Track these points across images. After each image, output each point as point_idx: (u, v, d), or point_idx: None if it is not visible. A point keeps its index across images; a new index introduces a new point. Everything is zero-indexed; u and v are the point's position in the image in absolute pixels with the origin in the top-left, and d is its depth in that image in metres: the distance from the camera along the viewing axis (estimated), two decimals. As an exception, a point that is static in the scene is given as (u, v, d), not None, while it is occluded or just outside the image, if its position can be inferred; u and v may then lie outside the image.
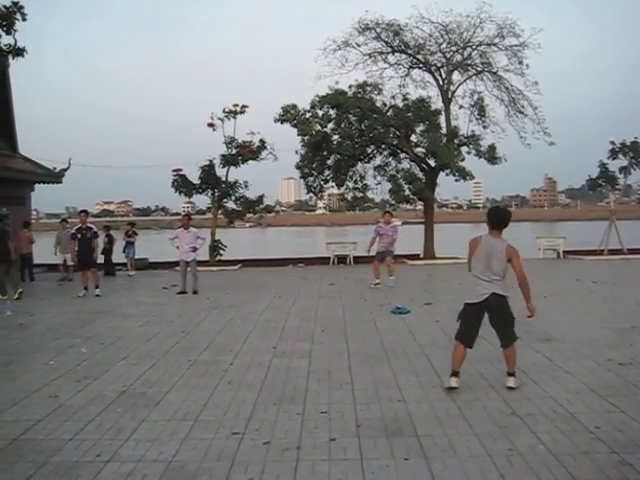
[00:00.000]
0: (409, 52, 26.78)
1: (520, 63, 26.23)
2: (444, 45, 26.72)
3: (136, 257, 25.56)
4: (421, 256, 26.00)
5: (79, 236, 16.04)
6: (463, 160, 25.77)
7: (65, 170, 25.48)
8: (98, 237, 16.54)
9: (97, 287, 15.91)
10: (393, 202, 26.61)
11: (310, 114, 25.46)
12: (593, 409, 6.00)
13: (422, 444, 5.21)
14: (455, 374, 6.80)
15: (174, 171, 24.58)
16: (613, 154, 26.27)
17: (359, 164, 26.85)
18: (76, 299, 15.33)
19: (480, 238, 6.96)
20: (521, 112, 26.66)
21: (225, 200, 25.33)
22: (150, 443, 5.36)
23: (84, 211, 16.96)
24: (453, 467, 4.74)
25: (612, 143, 26.22)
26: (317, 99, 25.34)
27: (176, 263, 19.57)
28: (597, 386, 6.77)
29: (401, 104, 26.21)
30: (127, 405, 6.49)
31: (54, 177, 25.16)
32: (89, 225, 16.33)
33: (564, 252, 26.08)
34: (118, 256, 22.98)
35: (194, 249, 16.13)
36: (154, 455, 5.10)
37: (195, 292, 15.76)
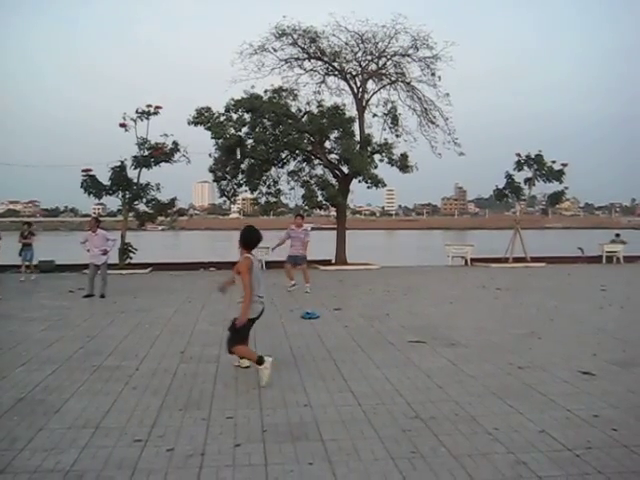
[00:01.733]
0: (325, 59, 27.02)
1: (433, 75, 26.94)
2: (359, 54, 27.13)
3: (42, 259, 24.69)
4: (333, 261, 26.21)
5: None
6: (376, 168, 26.15)
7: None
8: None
9: None
10: (306, 207, 26.72)
11: (224, 117, 25.27)
12: (493, 411, 6.20)
13: (327, 448, 5.23)
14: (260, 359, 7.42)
15: (83, 171, 23.85)
16: (519, 166, 27.26)
17: (273, 169, 26.86)
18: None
19: (250, 260, 7.67)
20: (433, 122, 27.36)
21: (136, 202, 24.77)
22: (47, 452, 5.17)
23: None
24: (357, 470, 4.78)
25: (518, 155, 27.21)
26: (232, 102, 25.19)
27: (84, 266, 19.03)
28: (497, 389, 7.00)
29: (316, 110, 26.40)
30: (24, 413, 6.23)
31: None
32: None
33: (472, 259, 26.87)
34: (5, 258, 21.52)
35: (105, 252, 15.73)
36: (51, 465, 4.91)
37: (102, 296, 15.35)
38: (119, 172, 23.97)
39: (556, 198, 28.17)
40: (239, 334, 7.65)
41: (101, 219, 17.82)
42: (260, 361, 7.29)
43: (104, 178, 24.00)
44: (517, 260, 26.24)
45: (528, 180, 27.47)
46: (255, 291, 7.67)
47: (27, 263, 21.16)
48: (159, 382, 7.40)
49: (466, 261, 26.90)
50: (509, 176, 27.61)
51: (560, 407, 6.31)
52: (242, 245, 7.78)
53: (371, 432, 5.63)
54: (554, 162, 27.03)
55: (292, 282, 16.50)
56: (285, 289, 16.65)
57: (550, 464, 4.87)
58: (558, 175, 26.98)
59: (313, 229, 21.92)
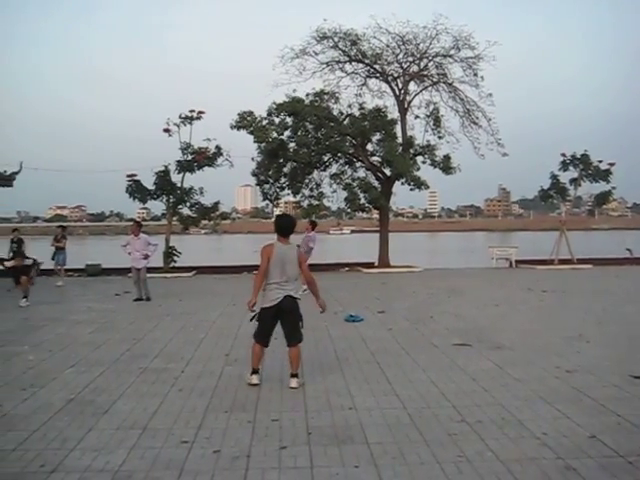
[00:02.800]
0: (366, 62, 26.98)
1: (475, 75, 26.70)
2: (401, 55, 27.03)
3: (89, 263, 25.19)
4: (376, 264, 26.14)
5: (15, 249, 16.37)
6: (418, 170, 26.05)
7: (16, 173, 24.95)
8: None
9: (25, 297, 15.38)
10: (349, 210, 26.72)
11: (267, 121, 25.44)
12: (540, 415, 6.10)
13: (372, 452, 5.21)
14: (255, 372, 7.41)
15: (128, 176, 24.26)
16: (564, 166, 26.85)
17: (315, 172, 26.95)
18: (21, 307, 14.95)
19: (270, 246, 7.43)
20: (475, 123, 27.09)
21: (180, 206, 25.10)
22: (97, 452, 5.26)
23: (16, 229, 17.51)
24: (403, 474, 4.75)
25: (563, 155, 26.81)
26: (274, 106, 25.34)
27: (129, 269, 19.34)
28: (545, 393, 6.88)
29: (358, 113, 26.41)
30: (74, 414, 6.35)
31: (4, 180, 24.60)
32: (21, 237, 16.86)
33: (516, 261, 26.54)
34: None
35: (145, 256, 15.94)
36: (100, 465, 4.99)
37: (148, 299, 15.57)
38: (163, 177, 24.32)
39: (603, 198, 27.65)
40: (258, 326, 7.48)
41: (145, 223, 18.13)
42: (253, 372, 7.39)
43: (149, 183, 24.40)
44: (563, 262, 25.82)
45: (574, 180, 27.02)
46: (272, 279, 7.34)
47: (59, 267, 20.99)
48: (205, 384, 7.47)
49: (511, 263, 26.58)
50: (554, 176, 27.21)
51: (610, 412, 6.18)
52: (275, 231, 7.67)
53: (417, 435, 5.59)
54: (601, 162, 26.56)
55: (304, 287, 16.38)
56: (328, 291, 16.63)
57: (601, 471, 4.76)
58: (605, 175, 26.48)
59: (354, 232, 21.82)
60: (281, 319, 7.43)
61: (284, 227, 7.60)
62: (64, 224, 24.97)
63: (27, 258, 15.95)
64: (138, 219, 21.72)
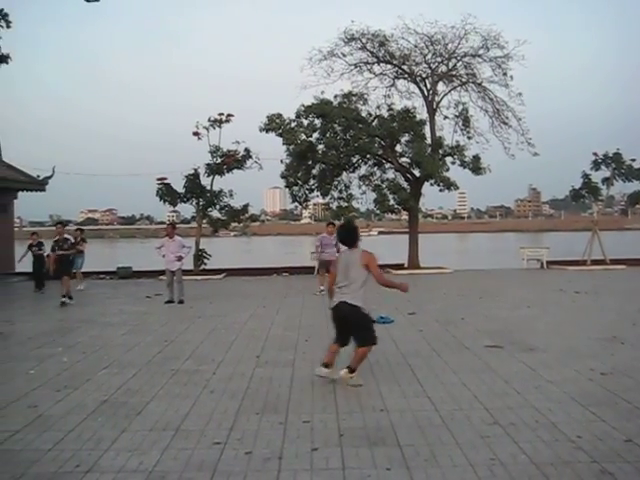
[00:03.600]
0: (394, 62, 26.92)
1: (504, 74, 26.50)
2: (429, 56, 26.91)
3: (120, 265, 25.48)
4: (405, 266, 26.04)
5: (57, 247, 16.48)
6: (448, 170, 25.90)
7: (49, 178, 25.39)
8: (77, 248, 16.74)
9: (67, 296, 15.85)
10: (378, 212, 26.66)
11: (295, 123, 25.51)
12: (575, 418, 6.02)
13: (404, 454, 5.19)
14: (325, 365, 7.48)
15: (159, 180, 24.50)
16: (596, 165, 26.47)
17: (344, 174, 26.93)
18: (55, 308, 15.19)
19: (339, 255, 7.87)
20: (505, 123, 26.88)
21: (210, 209, 25.26)
22: (131, 453, 5.31)
23: (60, 222, 17.27)
24: (435, 477, 4.72)
25: (595, 154, 26.44)
26: (302, 108, 25.40)
27: (160, 272, 19.53)
28: (579, 395, 6.80)
29: (386, 114, 26.36)
30: (108, 415, 6.43)
31: (37, 185, 25.05)
32: (66, 236, 16.71)
33: (548, 262, 26.26)
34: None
35: (179, 258, 16.05)
36: (134, 465, 5.05)
37: (181, 301, 15.68)
38: (193, 180, 24.50)
39: (636, 198, 27.28)
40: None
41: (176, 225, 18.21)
42: (325, 365, 7.49)
43: (178, 186, 24.61)
44: (596, 262, 25.46)
45: (606, 180, 26.63)
46: (336, 283, 7.71)
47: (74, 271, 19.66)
48: (236, 386, 7.50)
49: (542, 264, 26.29)
50: (586, 176, 26.82)
51: (646, 415, 6.09)
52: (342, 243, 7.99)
53: (449, 438, 5.55)
54: (634, 160, 26.14)
55: (321, 287, 16.34)
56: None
57: (638, 475, 4.69)
58: (638, 174, 26.07)
59: (382, 233, 21.68)
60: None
61: (341, 237, 7.97)
62: (82, 227, 24.96)
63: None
64: (173, 221, 21.85)
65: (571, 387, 7.18)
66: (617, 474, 4.70)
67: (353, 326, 7.50)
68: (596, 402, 6.56)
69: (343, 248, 7.89)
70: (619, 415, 6.11)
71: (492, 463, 4.95)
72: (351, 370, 7.37)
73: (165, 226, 17.36)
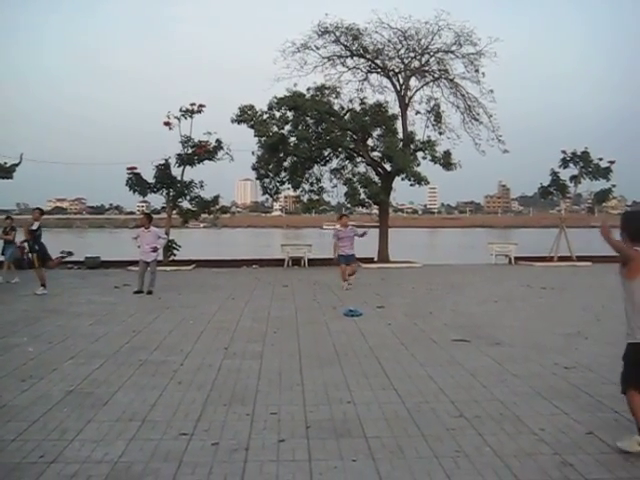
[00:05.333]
0: (367, 56, 26.94)
1: (476, 71, 26.66)
2: (402, 51, 26.97)
3: (88, 255, 25.18)
4: (375, 259, 26.13)
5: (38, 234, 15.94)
6: (419, 165, 26.01)
7: (16, 165, 24.94)
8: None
9: (43, 286, 15.63)
10: (349, 205, 26.70)
11: (267, 115, 25.46)
12: (538, 411, 6.12)
13: (370, 446, 5.23)
14: None
15: (129, 169, 24.22)
16: (564, 163, 26.83)
17: (315, 166, 26.91)
18: (21, 298, 14.98)
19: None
20: (476, 119, 27.05)
21: (180, 200, 25.06)
22: (96, 444, 5.28)
23: (38, 209, 16.76)
24: (400, 468, 4.77)
25: (563, 152, 26.78)
26: (275, 100, 25.34)
27: (129, 262, 19.39)
28: (543, 389, 6.91)
29: (358, 108, 26.41)
30: (73, 405, 6.37)
31: (4, 172, 24.57)
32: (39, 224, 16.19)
33: (515, 258, 26.55)
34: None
35: (155, 249, 15.94)
36: (99, 456, 5.02)
37: (149, 292, 15.57)
38: (163, 170, 24.30)
39: (603, 196, 27.64)
40: (627, 367, 5.40)
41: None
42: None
43: (149, 176, 24.38)
44: (562, 259, 25.83)
45: (574, 178, 27.00)
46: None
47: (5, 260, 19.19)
48: (204, 377, 7.49)
49: (510, 260, 26.58)
50: (554, 173, 27.19)
51: (608, 409, 6.20)
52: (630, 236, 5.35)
53: (415, 430, 5.61)
54: (601, 159, 26.56)
55: (345, 283, 16.40)
56: (328, 286, 16.71)
57: (598, 467, 4.79)
58: (605, 172, 26.47)
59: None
60: None
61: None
62: (12, 215, 23.98)
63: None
64: (149, 212, 21.55)
65: (536, 381, 7.29)
66: (577, 465, 4.79)
67: None
68: (559, 396, 6.67)
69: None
70: (581, 408, 6.22)
71: (457, 455, 5.02)
72: None
73: (137, 216, 17.21)
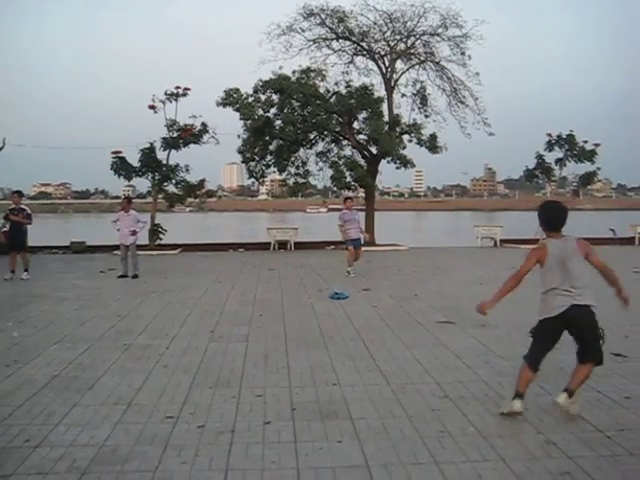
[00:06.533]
0: (353, 39, 26.86)
1: (462, 54, 26.69)
2: (388, 33, 26.91)
3: (74, 240, 25.05)
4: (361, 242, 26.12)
5: (11, 217, 15.65)
6: (404, 148, 26.03)
7: (-1, 150, 24.72)
8: (32, 219, 16.04)
9: (26, 271, 15.54)
10: (335, 189, 26.68)
11: (253, 98, 25.31)
12: (522, 392, 6.16)
13: (356, 427, 5.26)
14: (519, 396, 5.61)
15: (113, 153, 24.03)
16: (549, 146, 26.90)
17: (301, 150, 26.87)
18: (5, 282, 14.90)
19: (542, 246, 6.08)
20: (462, 102, 27.12)
21: (166, 184, 24.90)
22: (81, 428, 5.27)
23: (17, 192, 16.56)
24: (385, 449, 4.80)
25: (549, 135, 26.85)
26: (260, 83, 25.20)
27: (114, 247, 19.31)
28: (527, 370, 6.95)
29: (344, 91, 26.31)
30: (59, 389, 6.36)
31: (-13, 157, 24.34)
32: (22, 206, 15.94)
33: (501, 240, 26.66)
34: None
35: (133, 232, 15.87)
36: (85, 439, 5.01)
37: (135, 276, 15.54)
38: (148, 154, 24.12)
39: (588, 179, 27.77)
40: (534, 341, 6.06)
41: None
42: (515, 396, 5.57)
43: (134, 160, 24.19)
44: (547, 241, 25.93)
45: (559, 160, 27.08)
46: (552, 283, 6.03)
47: None
48: (189, 361, 7.49)
49: (495, 242, 26.70)
50: (540, 156, 27.26)
51: (591, 389, 6.26)
52: (547, 227, 6.07)
53: (400, 411, 5.65)
54: (586, 142, 26.64)
55: (350, 269, 16.09)
56: (313, 269, 16.73)
57: (580, 445, 4.85)
58: (590, 155, 26.55)
59: (337, 209, 21.72)
60: (572, 334, 5.95)
61: (555, 218, 6.00)
62: None
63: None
64: (129, 195, 21.44)
65: (520, 362, 7.29)
66: (560, 444, 4.85)
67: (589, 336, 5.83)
68: (543, 376, 6.70)
69: (544, 239, 6.19)
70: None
71: (441, 435, 5.06)
72: (571, 394, 5.59)
73: (120, 200, 17.08)
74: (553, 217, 5.98)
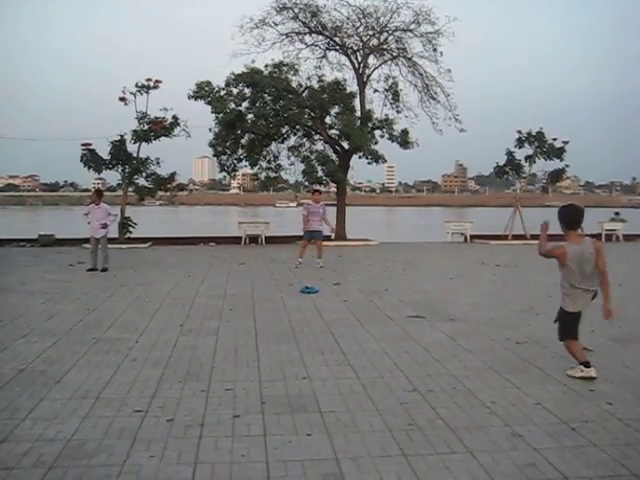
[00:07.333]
0: (326, 34, 26.79)
1: (434, 50, 26.71)
2: (361, 29, 26.87)
3: (42, 233, 24.72)
4: (332, 237, 26.18)
5: None
6: (376, 144, 26.08)
7: (-35, 141, 24.31)
8: None
9: None
10: (307, 183, 26.66)
11: (225, 92, 25.13)
12: (490, 385, 6.25)
13: (325, 420, 5.28)
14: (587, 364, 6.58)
15: (83, 145, 23.73)
16: (519, 143, 27.17)
17: (273, 144, 26.77)
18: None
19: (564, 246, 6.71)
20: (434, 98, 27.17)
21: (136, 177, 24.63)
22: (48, 422, 5.22)
23: None
24: (355, 442, 4.83)
25: (519, 132, 27.10)
26: (232, 77, 25.02)
27: (84, 240, 19.12)
28: (495, 363, 7.05)
29: (317, 85, 26.26)
30: (25, 384, 6.28)
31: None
32: None
33: (471, 236, 26.91)
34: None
35: (104, 225, 15.71)
36: (52, 434, 4.96)
37: (104, 269, 15.38)
38: (119, 146, 23.86)
39: (557, 176, 28.07)
40: (564, 325, 6.82)
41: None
42: (587, 365, 6.54)
43: (104, 152, 23.90)
44: (516, 237, 26.24)
45: (529, 157, 27.38)
46: (573, 282, 6.62)
47: None
48: (159, 354, 7.45)
49: (465, 238, 26.94)
50: (510, 153, 27.51)
51: (557, 382, 6.37)
52: (564, 225, 6.93)
53: (369, 404, 5.68)
54: (555, 139, 26.95)
55: (300, 260, 16.41)
56: (284, 263, 16.72)
57: (545, 437, 4.93)
58: (559, 153, 26.88)
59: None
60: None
61: (576, 220, 6.90)
62: None
63: None
64: (99, 188, 21.19)
65: (488, 356, 7.43)
66: (526, 436, 4.92)
67: None
68: (511, 370, 6.83)
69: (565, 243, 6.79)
70: (531, 381, 6.38)
71: (410, 428, 5.10)
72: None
73: (90, 193, 16.90)
74: (574, 219, 6.89)
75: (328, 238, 25.17)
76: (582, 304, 6.67)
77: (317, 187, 20.35)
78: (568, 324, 6.77)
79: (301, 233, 17.02)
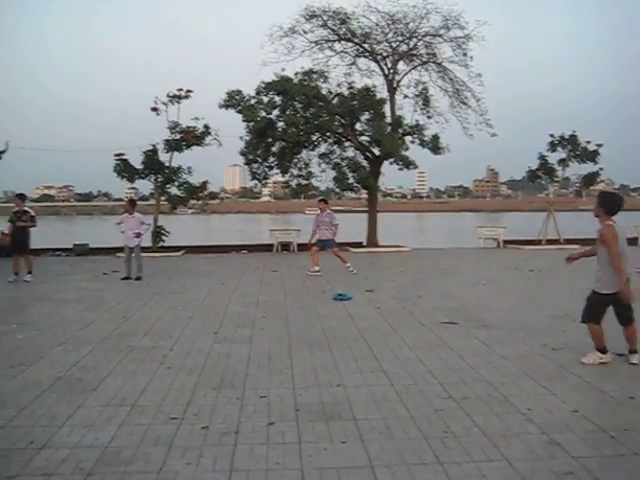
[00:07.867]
0: (355, 41, 26.84)
1: (464, 55, 26.65)
2: (390, 35, 26.89)
3: (77, 242, 25.07)
4: (364, 244, 26.17)
5: (16, 220, 15.68)
6: (407, 149, 25.99)
7: (2, 152, 24.75)
8: (36, 222, 16.05)
9: (30, 273, 15.56)
10: (337, 190, 26.67)
11: (255, 100, 25.28)
12: (526, 392, 6.17)
13: (360, 428, 5.27)
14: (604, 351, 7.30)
15: (116, 155, 24.07)
16: (552, 147, 26.85)
17: (304, 151, 26.84)
18: (8, 285, 14.92)
19: (613, 226, 7.20)
20: (464, 103, 27.07)
21: (168, 186, 24.90)
22: (86, 429, 5.28)
23: (20, 195, 16.57)
24: (389, 450, 4.81)
25: (551, 136, 26.80)
26: (263, 85, 25.17)
27: (117, 249, 19.34)
28: (530, 370, 6.96)
29: (347, 92, 26.29)
30: (63, 391, 6.37)
31: (-10, 160, 24.37)
32: (25, 209, 15.94)
33: (504, 241, 26.67)
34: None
35: (138, 235, 15.89)
36: (89, 441, 5.02)
37: (138, 278, 15.55)
38: (151, 156, 24.15)
39: (590, 179, 27.67)
40: (593, 307, 7.40)
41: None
42: (603, 351, 7.24)
43: (136, 162, 24.24)
44: (550, 242, 25.93)
45: (562, 161, 27.05)
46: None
47: None
48: (193, 362, 7.50)
49: (498, 243, 26.71)
50: (542, 157, 27.20)
51: (595, 388, 6.27)
52: (604, 211, 7.30)
53: (404, 412, 5.65)
54: (589, 142, 26.58)
55: (316, 267, 16.41)
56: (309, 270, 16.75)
57: (584, 445, 4.85)
58: (592, 156, 26.50)
59: (340, 212, 21.73)
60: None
61: (618, 206, 7.38)
62: None
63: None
64: (132, 197, 21.47)
65: (523, 362, 7.34)
66: (564, 444, 4.85)
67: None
68: (547, 376, 6.73)
69: (610, 222, 7.26)
70: (568, 388, 6.29)
71: (445, 436, 5.06)
72: (635, 351, 7.33)
73: (124, 203, 17.10)
74: (617, 205, 7.29)
75: (356, 245, 25.16)
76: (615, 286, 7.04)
77: (322, 197, 20.36)
78: (595, 306, 7.28)
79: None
